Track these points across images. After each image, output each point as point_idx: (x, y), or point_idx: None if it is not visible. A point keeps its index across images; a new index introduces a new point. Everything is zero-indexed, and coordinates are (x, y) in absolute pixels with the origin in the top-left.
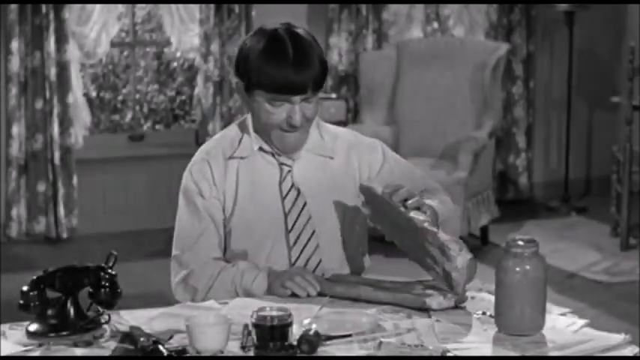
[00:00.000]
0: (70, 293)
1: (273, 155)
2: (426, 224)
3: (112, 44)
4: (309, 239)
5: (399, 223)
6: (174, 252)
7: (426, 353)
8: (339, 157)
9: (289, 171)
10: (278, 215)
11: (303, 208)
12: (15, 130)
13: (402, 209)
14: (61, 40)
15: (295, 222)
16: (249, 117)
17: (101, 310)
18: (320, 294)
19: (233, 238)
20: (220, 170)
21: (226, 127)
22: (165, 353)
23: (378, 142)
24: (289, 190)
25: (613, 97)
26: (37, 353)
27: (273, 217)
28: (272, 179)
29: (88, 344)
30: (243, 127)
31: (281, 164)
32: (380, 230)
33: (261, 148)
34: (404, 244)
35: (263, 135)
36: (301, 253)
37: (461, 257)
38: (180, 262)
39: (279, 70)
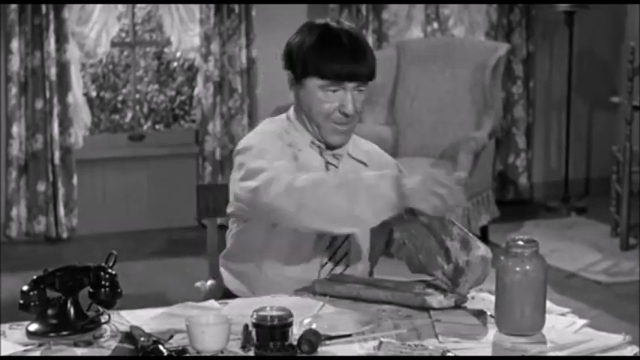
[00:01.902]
0: (70, 293)
1: (320, 153)
2: (452, 219)
3: (112, 44)
4: (341, 244)
5: (419, 218)
6: (251, 184)
7: (426, 353)
8: (372, 166)
9: (335, 172)
10: None
11: None
12: (15, 130)
13: None
14: (61, 40)
15: None
16: (291, 114)
17: (101, 310)
18: (320, 294)
19: (277, 230)
20: (279, 151)
21: (273, 118)
22: (166, 353)
23: (395, 163)
24: None
25: (613, 97)
26: (37, 353)
27: None
28: None
29: (88, 344)
30: (291, 122)
31: (327, 163)
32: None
33: (312, 142)
34: (415, 242)
35: (312, 127)
36: (332, 257)
37: (484, 248)
38: (271, 177)
39: (336, 56)
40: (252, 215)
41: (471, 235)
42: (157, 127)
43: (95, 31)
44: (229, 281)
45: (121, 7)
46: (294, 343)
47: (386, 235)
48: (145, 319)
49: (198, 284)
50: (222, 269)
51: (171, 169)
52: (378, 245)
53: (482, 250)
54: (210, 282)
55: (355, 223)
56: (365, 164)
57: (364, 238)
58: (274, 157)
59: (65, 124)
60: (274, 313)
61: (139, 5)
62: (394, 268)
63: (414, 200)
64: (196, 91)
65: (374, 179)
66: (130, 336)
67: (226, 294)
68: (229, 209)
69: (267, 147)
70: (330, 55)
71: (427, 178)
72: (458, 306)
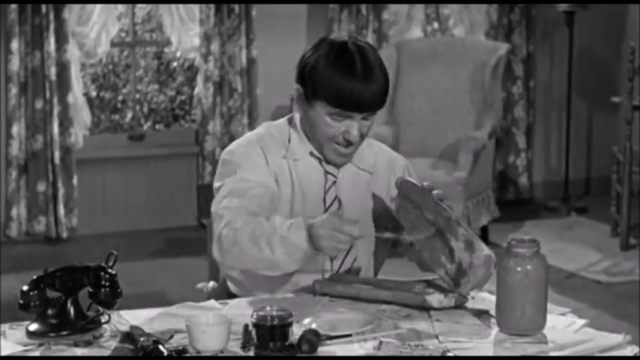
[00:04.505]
0: (70, 293)
1: (320, 162)
2: (459, 219)
3: (112, 44)
4: (348, 252)
5: (426, 216)
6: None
7: (426, 353)
8: (380, 173)
9: (334, 182)
10: None
11: None
12: (15, 130)
13: (439, 202)
14: (61, 40)
15: None
16: (296, 120)
17: (101, 310)
18: (320, 294)
19: None
20: (272, 158)
21: (267, 123)
22: (166, 353)
23: (407, 163)
24: (332, 202)
25: (613, 97)
26: (37, 353)
27: None
28: (318, 187)
29: (88, 344)
30: (292, 130)
31: (327, 172)
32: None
33: (311, 153)
34: (420, 239)
35: (314, 142)
36: (341, 265)
37: (487, 251)
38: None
39: (347, 87)
40: None
41: (475, 237)
42: (157, 127)
43: (95, 31)
44: (234, 289)
45: (121, 7)
46: (294, 343)
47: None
48: (145, 319)
49: (200, 285)
50: (226, 278)
51: (171, 169)
52: (384, 246)
53: (485, 252)
54: (212, 283)
55: (276, 269)
56: (370, 173)
57: (368, 239)
58: (248, 175)
59: (65, 124)
60: (274, 313)
61: (139, 5)
62: (398, 268)
63: (321, 246)
64: (196, 91)
65: (287, 230)
66: (130, 336)
67: (230, 295)
68: None
69: (246, 165)
70: (341, 85)
71: (329, 222)
72: (458, 306)
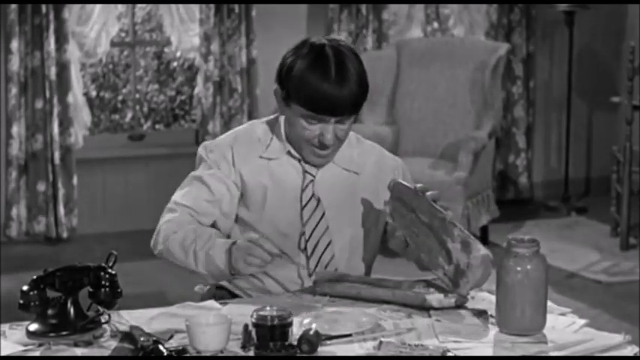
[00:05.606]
0: (70, 293)
1: (299, 161)
2: (453, 220)
3: (112, 44)
4: (325, 249)
5: (421, 218)
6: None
7: (426, 353)
8: (367, 174)
9: (312, 180)
10: (296, 222)
11: (321, 219)
12: (15, 130)
13: (433, 203)
14: (61, 40)
15: (313, 231)
16: (281, 119)
17: (101, 310)
18: (320, 294)
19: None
20: (241, 160)
21: (253, 121)
22: (165, 353)
23: (401, 163)
24: (309, 200)
25: (613, 97)
26: (37, 353)
27: (290, 224)
28: (294, 185)
29: (88, 344)
30: (273, 129)
31: (305, 172)
32: (397, 226)
33: (289, 152)
34: (417, 241)
35: (293, 144)
36: (318, 262)
37: (484, 251)
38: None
39: (318, 91)
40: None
41: (471, 236)
42: (157, 127)
43: (95, 31)
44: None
45: (121, 7)
46: (294, 343)
47: (380, 232)
48: (145, 319)
49: (197, 288)
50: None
51: (171, 169)
52: (374, 242)
53: (482, 252)
54: (209, 286)
55: (196, 275)
56: (356, 173)
57: (352, 240)
58: (208, 177)
59: (65, 124)
60: (274, 313)
61: (139, 5)
62: (398, 268)
63: (235, 258)
64: (196, 91)
65: (213, 249)
66: (130, 336)
67: (218, 287)
68: None
69: (212, 165)
70: (313, 89)
71: (248, 236)
72: (458, 306)
